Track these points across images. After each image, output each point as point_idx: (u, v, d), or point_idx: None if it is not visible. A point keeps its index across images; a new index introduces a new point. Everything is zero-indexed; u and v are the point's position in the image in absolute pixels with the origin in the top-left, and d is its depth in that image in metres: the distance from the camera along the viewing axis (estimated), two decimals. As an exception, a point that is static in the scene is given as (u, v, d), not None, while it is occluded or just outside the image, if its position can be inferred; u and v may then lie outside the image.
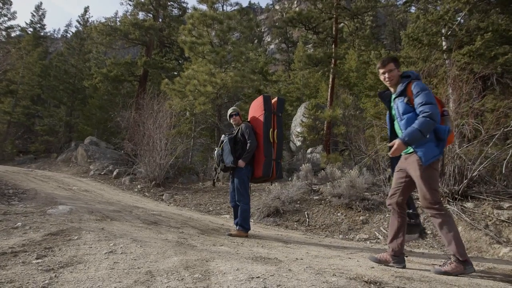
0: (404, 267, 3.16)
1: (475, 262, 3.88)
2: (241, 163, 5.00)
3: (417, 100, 3.05)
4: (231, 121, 5.48)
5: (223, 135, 5.38)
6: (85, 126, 24.13)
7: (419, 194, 3.09)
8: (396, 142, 3.01)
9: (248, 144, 4.99)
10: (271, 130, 5.05)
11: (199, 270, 2.46)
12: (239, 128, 5.23)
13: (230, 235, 4.90)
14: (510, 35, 8.45)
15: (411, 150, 3.11)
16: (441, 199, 6.77)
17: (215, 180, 7.06)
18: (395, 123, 3.38)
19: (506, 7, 9.24)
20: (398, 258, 3.22)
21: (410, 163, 3.15)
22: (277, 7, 63.54)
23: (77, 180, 12.58)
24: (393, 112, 3.35)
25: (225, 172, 5.42)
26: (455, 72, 8.00)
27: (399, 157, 3.36)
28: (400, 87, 3.22)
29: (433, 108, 2.94)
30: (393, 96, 3.34)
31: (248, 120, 5.45)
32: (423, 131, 2.91)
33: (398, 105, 3.21)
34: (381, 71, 3.34)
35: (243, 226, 4.98)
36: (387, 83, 3.33)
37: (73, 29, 47.24)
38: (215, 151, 5.26)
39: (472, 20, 9.57)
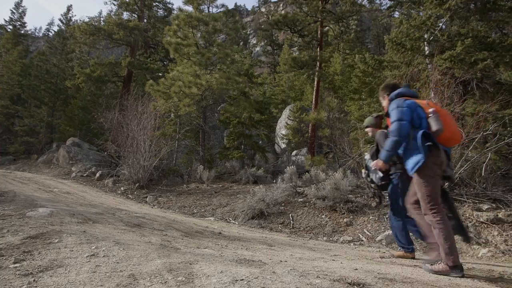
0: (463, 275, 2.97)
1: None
2: None
3: (390, 120, 3.30)
4: None
5: None
6: (67, 127, 23.60)
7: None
8: (378, 161, 3.50)
9: None
10: None
11: (183, 273, 2.44)
12: None
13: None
14: (489, 42, 8.66)
15: None
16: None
17: None
18: None
19: (485, 14, 9.49)
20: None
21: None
22: (263, 9, 63.69)
23: (58, 182, 12.32)
24: None
25: None
26: (437, 77, 8.17)
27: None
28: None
29: (396, 125, 3.14)
30: None
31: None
32: (389, 150, 3.24)
33: None
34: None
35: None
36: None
37: (55, 28, 46.39)
38: None
39: (453, 26, 9.79)
